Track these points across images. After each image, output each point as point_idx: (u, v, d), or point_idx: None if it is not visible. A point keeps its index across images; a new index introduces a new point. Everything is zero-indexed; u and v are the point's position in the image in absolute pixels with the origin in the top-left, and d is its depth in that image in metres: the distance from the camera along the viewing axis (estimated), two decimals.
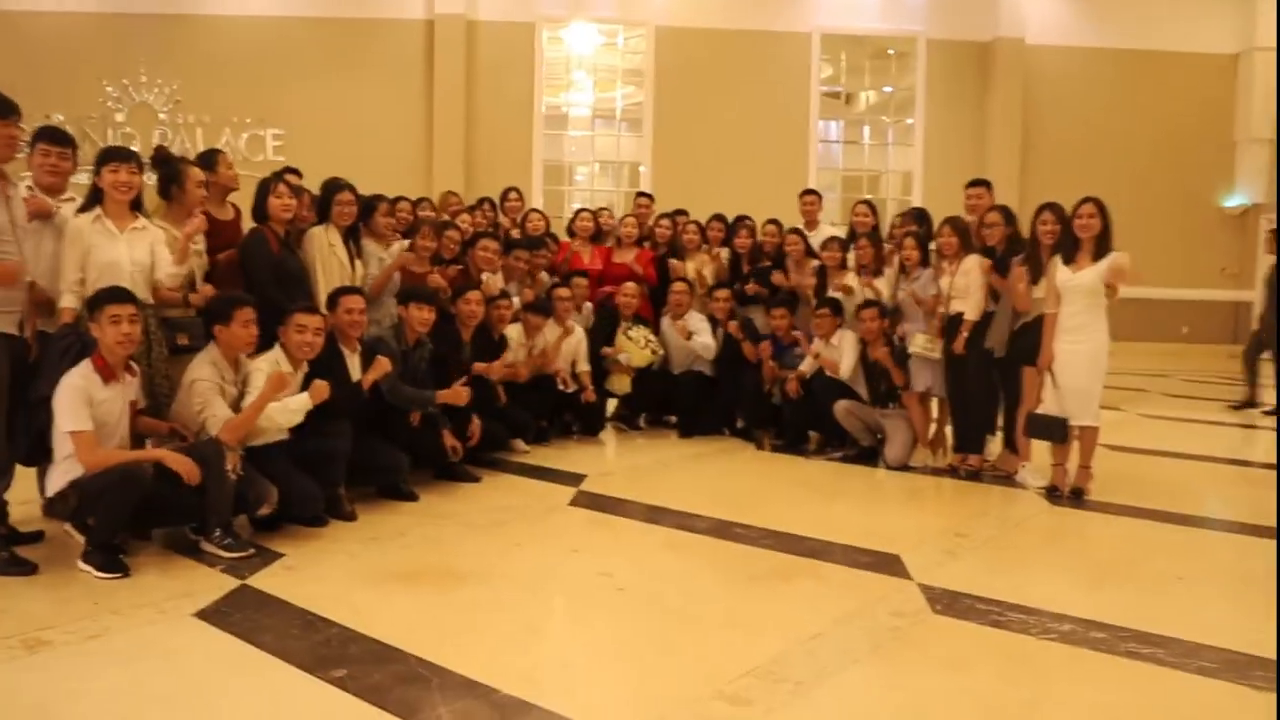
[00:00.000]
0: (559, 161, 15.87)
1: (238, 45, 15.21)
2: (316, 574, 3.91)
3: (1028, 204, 6.19)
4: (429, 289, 5.45)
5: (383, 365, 4.78)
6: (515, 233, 7.58)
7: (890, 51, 16.31)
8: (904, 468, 6.21)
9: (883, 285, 6.61)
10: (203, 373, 4.14)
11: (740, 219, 7.62)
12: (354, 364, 4.88)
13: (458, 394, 5.32)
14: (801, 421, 6.82)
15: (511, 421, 6.29)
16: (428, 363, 5.39)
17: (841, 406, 6.41)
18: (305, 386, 4.51)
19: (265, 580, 3.80)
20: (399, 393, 5.03)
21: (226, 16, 15.32)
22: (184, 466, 3.83)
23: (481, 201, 7.72)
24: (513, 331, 6.45)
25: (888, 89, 16.45)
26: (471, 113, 15.36)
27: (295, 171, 6.20)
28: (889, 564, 4.14)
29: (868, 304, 6.40)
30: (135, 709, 2.68)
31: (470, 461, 5.75)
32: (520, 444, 6.45)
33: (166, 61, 15.03)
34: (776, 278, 7.11)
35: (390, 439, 5.08)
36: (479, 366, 5.69)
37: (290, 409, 4.30)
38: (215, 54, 15.11)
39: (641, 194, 8.08)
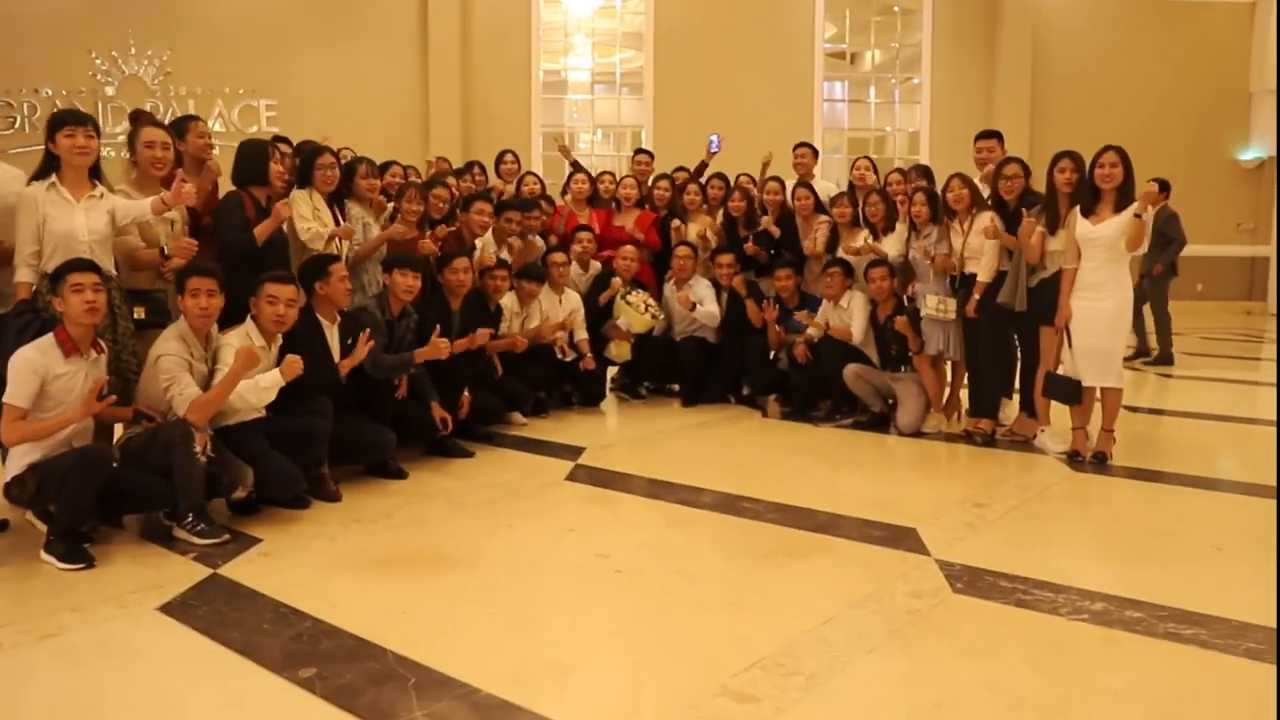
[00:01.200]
0: (559, 127, 15.55)
1: (229, 14, 14.88)
2: (294, 560, 3.66)
3: (1038, 160, 5.89)
4: (415, 255, 5.14)
5: (359, 353, 4.51)
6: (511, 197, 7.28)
7: (895, 9, 15.89)
8: (917, 434, 5.95)
9: (891, 243, 6.31)
10: (169, 348, 3.88)
11: (738, 179, 7.33)
12: (333, 336, 4.61)
13: (436, 347, 4.99)
14: (809, 387, 6.55)
15: (508, 393, 6.03)
16: (414, 333, 5.11)
17: (851, 371, 6.13)
18: (280, 361, 4.26)
19: (239, 569, 3.56)
20: (380, 363, 4.76)
21: None
22: (87, 410, 3.58)
23: (471, 165, 7.42)
24: (507, 300, 6.18)
25: (894, 45, 16.03)
26: (468, 79, 15.05)
27: (286, 140, 5.91)
28: (905, 538, 3.89)
29: (876, 263, 6.11)
30: (83, 717, 2.44)
31: (465, 435, 5.50)
32: (518, 416, 6.20)
33: (156, 32, 14.71)
34: (765, 222, 6.81)
35: (375, 414, 4.82)
36: (459, 344, 5.39)
37: (261, 387, 4.03)
38: (206, 23, 14.80)
39: (640, 151, 7.75)
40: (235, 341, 4.06)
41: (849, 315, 6.26)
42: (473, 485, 4.75)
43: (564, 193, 7.41)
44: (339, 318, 4.66)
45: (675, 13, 15.31)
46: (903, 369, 6.14)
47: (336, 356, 4.58)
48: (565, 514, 4.28)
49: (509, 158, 7.58)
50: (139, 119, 4.60)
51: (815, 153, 7.42)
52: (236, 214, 4.61)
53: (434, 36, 14.87)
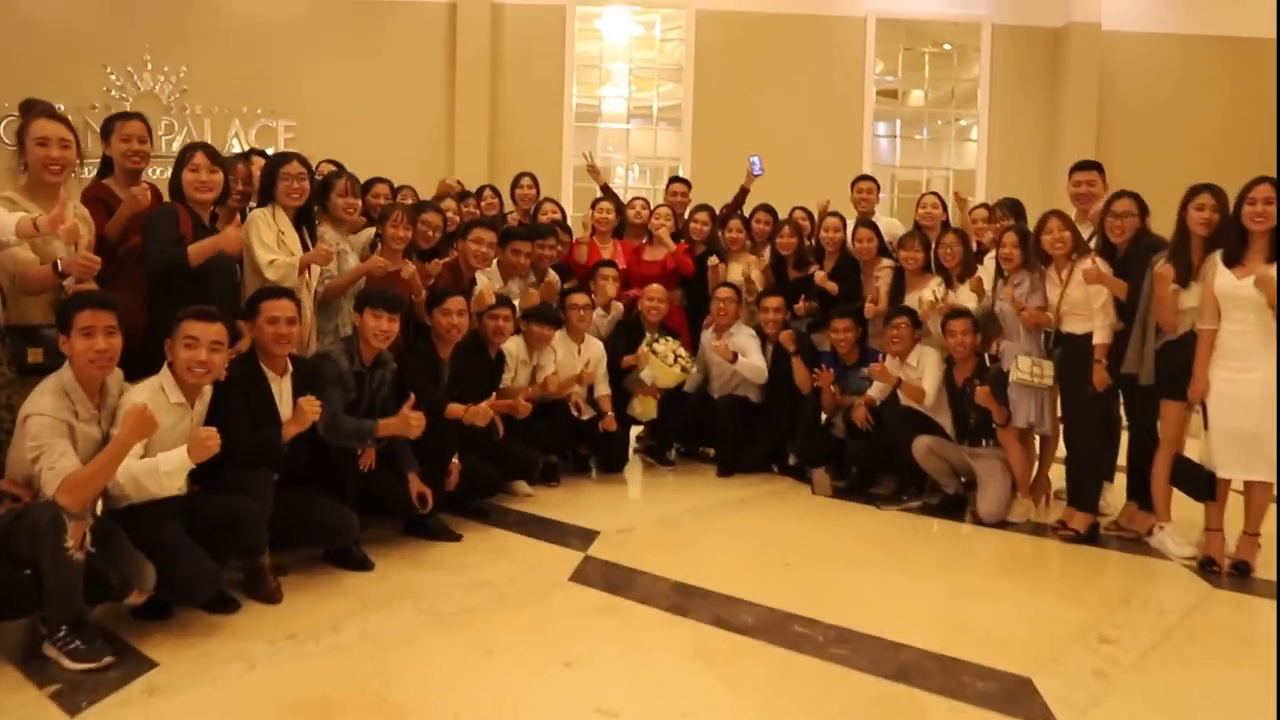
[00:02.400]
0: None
1: (249, 30, 14.19)
2: (189, 701, 2.70)
3: None
4: (393, 292, 4.16)
5: (305, 415, 3.55)
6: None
7: (946, 46, 14.93)
8: (1000, 523, 4.90)
9: (968, 294, 5.32)
10: (42, 404, 2.93)
11: (792, 214, 6.38)
12: (282, 390, 3.66)
13: (405, 421, 3.97)
14: (869, 459, 5.53)
15: (510, 460, 5.04)
16: (390, 387, 4.16)
17: (922, 444, 5.10)
18: (215, 420, 3.31)
19: (110, 714, 2.59)
20: (338, 427, 3.80)
21: None
22: None
23: (481, 190, 6.50)
24: (513, 346, 5.22)
25: (949, 81, 15.08)
26: (497, 105, 14.24)
27: (261, 153, 5.02)
28: (1021, 697, 2.85)
29: (958, 313, 5.11)
30: None
31: (455, 509, 4.55)
32: (523, 486, 5.22)
33: (173, 47, 14.03)
34: (819, 278, 5.84)
35: (334, 490, 3.85)
36: (452, 411, 4.42)
37: (162, 471, 3.03)
38: (225, 39, 14.09)
39: (676, 180, 6.82)
40: (141, 397, 3.11)
41: (918, 374, 5.25)
42: (453, 583, 3.76)
43: (587, 225, 6.46)
44: (289, 367, 3.71)
45: (717, 37, 14.47)
46: (984, 443, 5.11)
47: (287, 414, 3.63)
48: (563, 636, 3.27)
49: (525, 181, 6.65)
50: (30, 109, 3.67)
51: (878, 187, 6.44)
52: (166, 226, 3.68)
53: (462, 58, 14.14)
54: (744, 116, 14.31)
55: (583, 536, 4.45)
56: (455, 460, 4.41)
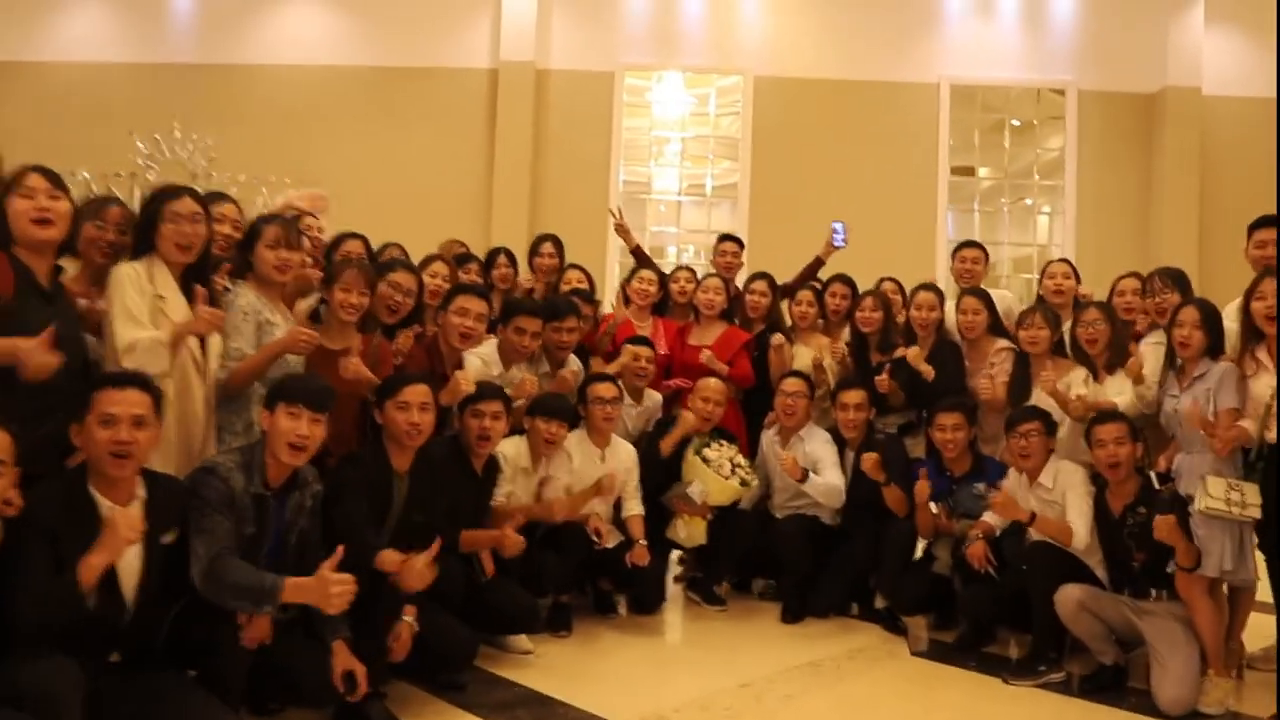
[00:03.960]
0: (639, 235, 13.46)
1: (282, 98, 13.64)
2: None
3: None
4: (319, 381, 2.90)
5: (116, 535, 2.29)
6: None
7: (1022, 121, 13.68)
8: (1190, 716, 3.45)
9: (1118, 386, 3.97)
10: None
11: (880, 284, 5.12)
12: (125, 521, 2.39)
13: (324, 589, 2.58)
14: (987, 610, 4.11)
15: (503, 610, 3.71)
16: (313, 519, 2.88)
17: (1070, 598, 3.66)
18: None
19: None
20: (219, 575, 2.52)
21: (269, 66, 13.86)
22: None
23: (496, 253, 5.31)
24: (510, 448, 3.95)
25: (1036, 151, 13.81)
26: (539, 178, 13.31)
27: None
28: None
29: (1105, 416, 3.75)
30: None
31: (422, 679, 3.24)
32: (522, 641, 3.87)
33: (204, 114, 13.33)
34: (912, 355, 4.55)
35: (208, 673, 2.56)
36: (387, 561, 3.07)
37: None
38: (258, 106, 13.54)
39: (727, 238, 5.57)
40: None
41: (1057, 501, 3.87)
42: None
43: (621, 292, 5.21)
44: (137, 493, 2.46)
45: (775, 104, 13.38)
46: (1153, 594, 3.69)
47: (129, 570, 2.36)
48: None
49: (546, 247, 5.42)
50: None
51: (986, 256, 5.15)
52: None
53: (502, 128, 13.32)
54: (805, 189, 13.11)
55: None
56: (407, 619, 3.07)
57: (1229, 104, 13.49)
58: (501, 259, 5.29)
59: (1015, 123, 13.86)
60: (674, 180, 13.83)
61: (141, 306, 2.79)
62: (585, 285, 5.06)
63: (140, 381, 2.47)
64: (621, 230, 5.85)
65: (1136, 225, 13.31)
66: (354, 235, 4.17)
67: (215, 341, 3.01)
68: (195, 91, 13.47)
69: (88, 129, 13.15)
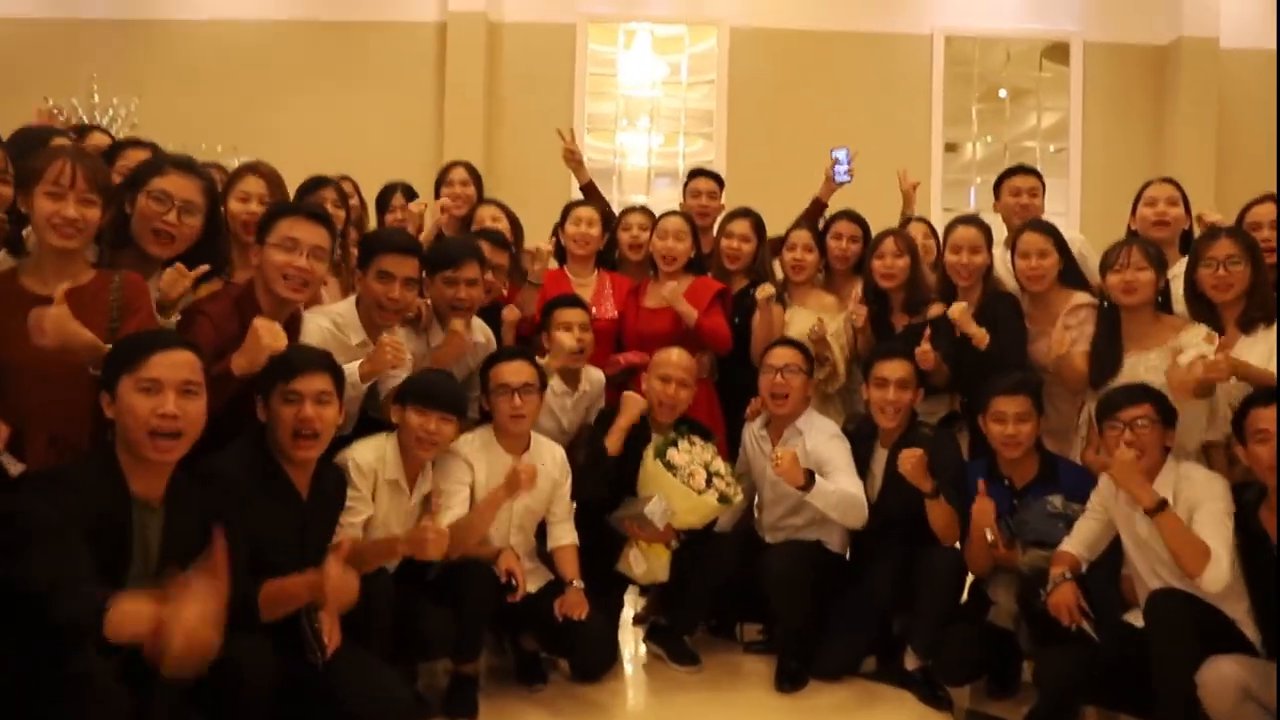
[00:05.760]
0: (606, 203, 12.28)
1: (210, 57, 12.57)
2: None
3: None
4: None
5: None
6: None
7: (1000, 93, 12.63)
8: None
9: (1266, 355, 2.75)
10: None
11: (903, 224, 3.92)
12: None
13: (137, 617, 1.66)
14: (1076, 682, 2.85)
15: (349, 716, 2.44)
16: None
17: (1225, 677, 2.46)
18: None
19: None
20: None
21: (196, 22, 12.81)
22: None
23: (391, 191, 4.05)
24: (370, 453, 2.72)
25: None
26: (494, 143, 12.20)
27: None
28: None
29: (1265, 395, 2.52)
30: None
31: None
32: None
33: (124, 77, 12.29)
34: (958, 311, 3.32)
35: None
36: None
37: None
38: (183, 67, 12.47)
39: (699, 173, 4.32)
40: None
41: (1181, 518, 2.63)
42: None
43: (555, 234, 3.91)
44: None
45: (752, 58, 12.28)
46: None
47: None
48: None
49: (459, 173, 4.19)
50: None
51: (1043, 186, 3.94)
52: None
53: (452, 85, 12.27)
54: (784, 139, 12.07)
55: None
56: None
57: (1249, 57, 12.63)
58: (398, 198, 4.00)
59: (1002, 93, 12.84)
60: (643, 156, 12.62)
61: None
62: (505, 225, 3.76)
63: None
64: (573, 159, 4.53)
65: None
66: (139, 143, 2.87)
67: None
68: (116, 51, 12.51)
69: None
